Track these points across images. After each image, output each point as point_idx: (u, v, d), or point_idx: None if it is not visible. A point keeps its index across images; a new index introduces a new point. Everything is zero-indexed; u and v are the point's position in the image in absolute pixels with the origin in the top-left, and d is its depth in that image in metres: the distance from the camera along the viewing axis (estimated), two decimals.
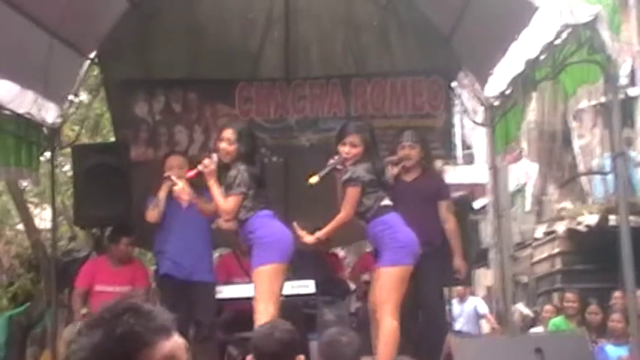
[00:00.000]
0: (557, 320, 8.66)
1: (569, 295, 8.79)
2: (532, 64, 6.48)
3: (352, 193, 5.89)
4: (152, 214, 6.78)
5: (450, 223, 6.80)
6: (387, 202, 5.98)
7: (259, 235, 5.77)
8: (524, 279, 15.20)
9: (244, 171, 5.80)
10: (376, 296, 5.89)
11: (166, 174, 6.79)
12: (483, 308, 11.74)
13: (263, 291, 5.66)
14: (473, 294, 12.20)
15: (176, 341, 1.69)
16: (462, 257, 6.81)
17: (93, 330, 1.63)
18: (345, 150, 5.98)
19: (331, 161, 6.00)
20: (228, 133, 5.94)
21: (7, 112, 7.14)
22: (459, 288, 10.47)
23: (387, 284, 5.80)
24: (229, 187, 5.81)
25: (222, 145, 5.92)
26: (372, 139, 6.15)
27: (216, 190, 5.86)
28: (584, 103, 12.21)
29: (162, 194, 6.75)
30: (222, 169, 5.93)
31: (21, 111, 7.26)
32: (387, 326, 5.75)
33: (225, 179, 5.86)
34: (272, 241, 5.74)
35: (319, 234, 6.02)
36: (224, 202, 5.80)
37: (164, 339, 1.66)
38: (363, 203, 5.92)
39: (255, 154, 6.02)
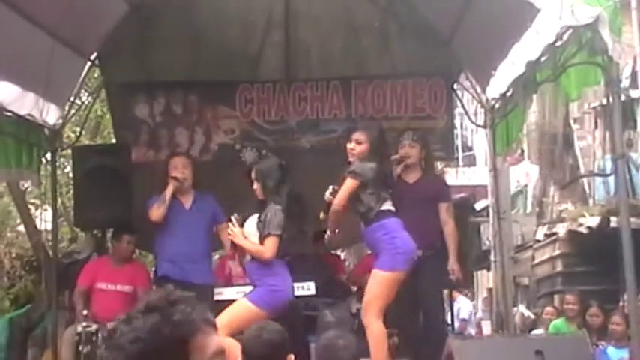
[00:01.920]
0: (558, 322, 8.65)
1: (569, 297, 8.78)
2: (533, 66, 6.47)
3: (348, 183, 5.93)
4: (156, 213, 6.79)
5: (448, 226, 6.80)
6: (388, 206, 5.98)
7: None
8: (525, 281, 15.18)
9: (279, 212, 5.91)
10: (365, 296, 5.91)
11: (172, 174, 6.80)
12: (464, 312, 11.72)
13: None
14: (466, 295, 12.19)
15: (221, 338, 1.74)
16: (457, 259, 6.80)
17: (148, 314, 1.66)
18: (350, 146, 6.01)
19: (327, 194, 6.01)
20: (254, 174, 6.06)
21: (8, 114, 7.14)
22: None
23: (377, 287, 5.83)
24: (266, 226, 5.90)
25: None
26: (382, 140, 6.16)
27: (248, 243, 5.98)
28: (584, 106, 12.21)
29: (168, 194, 6.76)
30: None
31: (22, 113, 7.26)
32: (376, 329, 5.78)
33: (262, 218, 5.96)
34: None
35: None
36: (264, 248, 5.89)
37: (214, 331, 1.70)
38: (365, 203, 5.92)
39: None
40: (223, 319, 5.55)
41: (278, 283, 5.89)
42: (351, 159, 6.02)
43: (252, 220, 6.02)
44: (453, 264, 6.77)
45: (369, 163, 5.95)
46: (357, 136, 6.03)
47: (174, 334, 1.63)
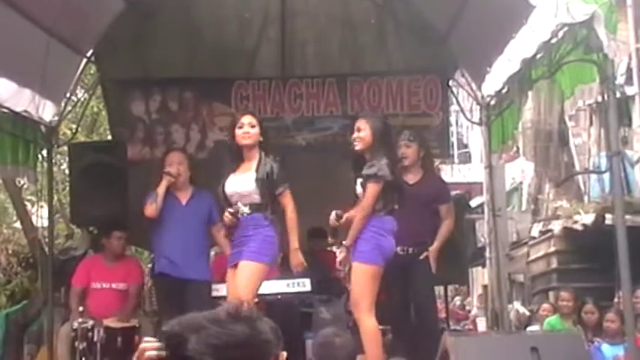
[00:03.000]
0: (552, 319, 8.66)
1: (564, 294, 8.79)
2: (528, 63, 6.48)
3: (374, 189, 5.81)
4: (150, 209, 6.78)
5: (445, 225, 6.81)
6: (395, 205, 5.97)
7: None
8: (520, 278, 15.20)
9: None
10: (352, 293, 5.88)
11: (166, 169, 6.80)
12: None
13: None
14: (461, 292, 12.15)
15: None
16: (439, 251, 6.77)
17: (237, 322, 1.73)
18: (354, 136, 5.95)
19: (332, 219, 5.95)
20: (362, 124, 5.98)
21: (4, 111, 7.14)
22: None
23: (363, 281, 5.78)
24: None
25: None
26: (387, 130, 6.08)
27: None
28: (579, 103, 12.20)
29: (161, 189, 6.75)
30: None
31: (18, 109, 7.26)
32: (369, 325, 5.74)
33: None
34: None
35: (347, 243, 5.92)
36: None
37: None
38: (378, 202, 5.87)
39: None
40: (246, 287, 5.67)
41: (273, 234, 5.88)
42: (357, 147, 5.91)
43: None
44: (432, 251, 6.74)
45: (383, 159, 5.85)
46: (360, 123, 5.95)
47: (262, 349, 1.71)
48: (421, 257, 6.65)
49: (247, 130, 5.96)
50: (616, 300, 8.25)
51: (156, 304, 7.77)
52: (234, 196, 5.92)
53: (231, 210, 5.86)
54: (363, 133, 5.90)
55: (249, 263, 5.80)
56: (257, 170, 5.91)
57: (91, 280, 7.37)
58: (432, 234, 6.77)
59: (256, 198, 5.88)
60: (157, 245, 7.01)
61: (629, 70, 11.41)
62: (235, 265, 5.88)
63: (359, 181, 5.92)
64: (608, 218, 9.73)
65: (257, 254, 5.81)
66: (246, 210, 5.86)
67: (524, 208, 16.46)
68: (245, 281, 5.77)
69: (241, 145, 5.97)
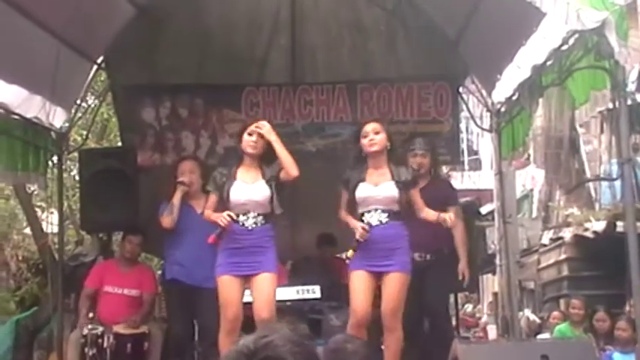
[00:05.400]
0: (563, 327, 8.63)
1: (574, 302, 8.76)
2: (539, 70, 6.47)
3: (417, 195, 5.92)
4: (167, 220, 6.78)
5: (458, 230, 6.78)
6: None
7: None
8: (531, 285, 15.15)
9: None
10: (388, 302, 5.81)
11: (179, 179, 6.80)
12: None
13: None
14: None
15: None
16: (467, 263, 6.80)
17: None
18: (369, 138, 5.84)
19: (357, 236, 5.78)
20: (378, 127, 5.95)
21: (15, 117, 7.17)
22: None
23: (403, 291, 5.74)
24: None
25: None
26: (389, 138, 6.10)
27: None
28: (596, 109, 12.15)
29: (176, 200, 6.75)
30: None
31: (29, 115, 7.29)
32: (400, 336, 5.77)
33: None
34: None
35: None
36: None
37: None
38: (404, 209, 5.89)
39: None
40: (272, 302, 5.75)
41: (274, 245, 5.91)
42: (373, 149, 5.83)
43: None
44: (463, 268, 6.76)
45: (402, 167, 5.93)
46: (374, 127, 5.88)
47: None
48: (460, 279, 6.76)
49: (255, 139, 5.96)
50: (627, 308, 8.22)
51: (165, 310, 7.77)
52: (249, 204, 5.88)
53: (231, 214, 5.80)
54: (380, 135, 5.85)
55: (272, 276, 5.82)
56: (265, 175, 5.91)
57: (104, 283, 7.37)
58: (446, 240, 6.74)
59: (269, 207, 5.88)
60: (170, 252, 7.00)
61: None
62: (245, 276, 5.83)
63: (361, 184, 5.87)
64: (620, 225, 9.69)
65: (275, 266, 5.86)
66: (260, 220, 5.84)
67: (534, 215, 16.42)
68: (272, 296, 5.82)
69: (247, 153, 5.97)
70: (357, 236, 5.66)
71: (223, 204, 5.89)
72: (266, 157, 5.95)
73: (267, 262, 5.80)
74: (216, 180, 5.99)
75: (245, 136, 5.95)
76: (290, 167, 5.86)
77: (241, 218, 5.81)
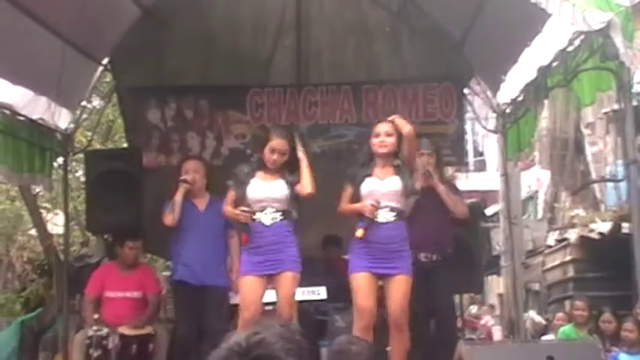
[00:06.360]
0: (567, 328, 8.61)
1: (578, 303, 8.74)
2: (544, 71, 6.46)
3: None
4: (169, 218, 6.78)
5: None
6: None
7: None
8: (536, 286, 15.14)
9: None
10: (397, 304, 5.81)
11: (182, 177, 6.81)
12: None
13: None
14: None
15: None
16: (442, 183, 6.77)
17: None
18: (380, 139, 5.80)
19: (367, 213, 5.76)
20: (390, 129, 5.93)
21: (20, 118, 7.18)
22: None
23: (408, 293, 5.73)
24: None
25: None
26: None
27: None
28: (602, 110, 12.16)
29: (178, 198, 6.75)
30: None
31: (34, 117, 7.30)
32: (406, 338, 5.76)
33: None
34: None
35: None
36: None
37: None
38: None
39: None
40: (289, 302, 5.76)
41: (294, 239, 5.91)
42: (380, 150, 5.80)
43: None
44: (437, 184, 6.69)
45: (407, 171, 5.91)
46: (387, 129, 5.83)
47: None
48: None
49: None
50: (634, 310, 8.20)
51: (170, 311, 7.77)
52: (265, 201, 5.89)
53: (246, 209, 5.81)
54: (391, 139, 5.83)
55: (293, 275, 5.83)
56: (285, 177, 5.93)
57: (105, 288, 7.32)
58: (450, 240, 6.74)
59: (287, 205, 5.89)
60: (176, 252, 7.00)
61: None
62: (268, 276, 5.83)
63: (367, 178, 5.85)
64: (625, 227, 9.67)
65: (296, 264, 5.85)
66: (278, 216, 5.85)
67: (540, 216, 16.42)
68: (292, 296, 5.84)
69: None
70: (367, 213, 5.64)
71: (242, 201, 5.91)
72: (289, 166, 5.98)
73: (288, 260, 5.81)
74: (238, 176, 6.00)
75: (267, 152, 5.94)
76: (305, 184, 5.89)
77: (258, 215, 5.81)
